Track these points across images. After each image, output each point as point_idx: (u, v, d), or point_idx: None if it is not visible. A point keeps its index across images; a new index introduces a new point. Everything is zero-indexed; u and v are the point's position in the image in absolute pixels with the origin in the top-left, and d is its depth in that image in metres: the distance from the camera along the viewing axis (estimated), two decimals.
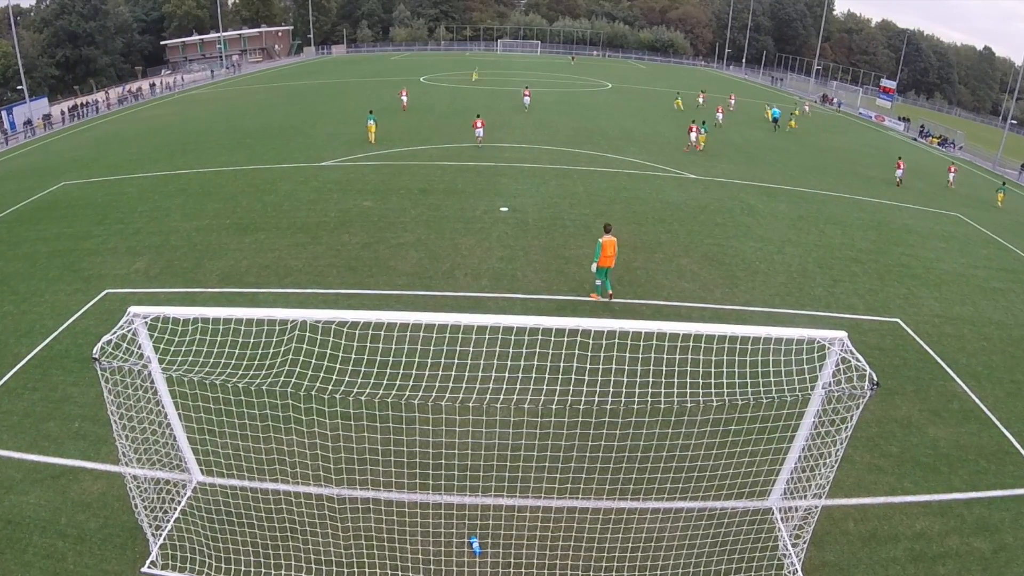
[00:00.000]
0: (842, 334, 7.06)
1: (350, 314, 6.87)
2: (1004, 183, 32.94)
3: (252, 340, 7.42)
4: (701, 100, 50.46)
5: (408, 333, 7.21)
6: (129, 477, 7.33)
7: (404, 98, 40.62)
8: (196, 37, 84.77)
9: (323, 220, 19.25)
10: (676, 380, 7.37)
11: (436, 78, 59.05)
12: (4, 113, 41.03)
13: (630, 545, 7.87)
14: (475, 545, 7.88)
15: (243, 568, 7.46)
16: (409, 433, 8.45)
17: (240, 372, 7.54)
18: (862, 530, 8.65)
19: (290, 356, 7.81)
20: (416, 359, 7.43)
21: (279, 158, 27.06)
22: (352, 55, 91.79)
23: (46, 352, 12.19)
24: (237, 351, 7.58)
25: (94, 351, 6.60)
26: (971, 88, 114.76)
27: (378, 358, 7.21)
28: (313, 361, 7.51)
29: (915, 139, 52.43)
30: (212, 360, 7.60)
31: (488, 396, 7.46)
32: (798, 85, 79.86)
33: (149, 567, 7.45)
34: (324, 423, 9.03)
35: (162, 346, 7.37)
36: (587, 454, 8.78)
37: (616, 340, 7.12)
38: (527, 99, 41.46)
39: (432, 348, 7.70)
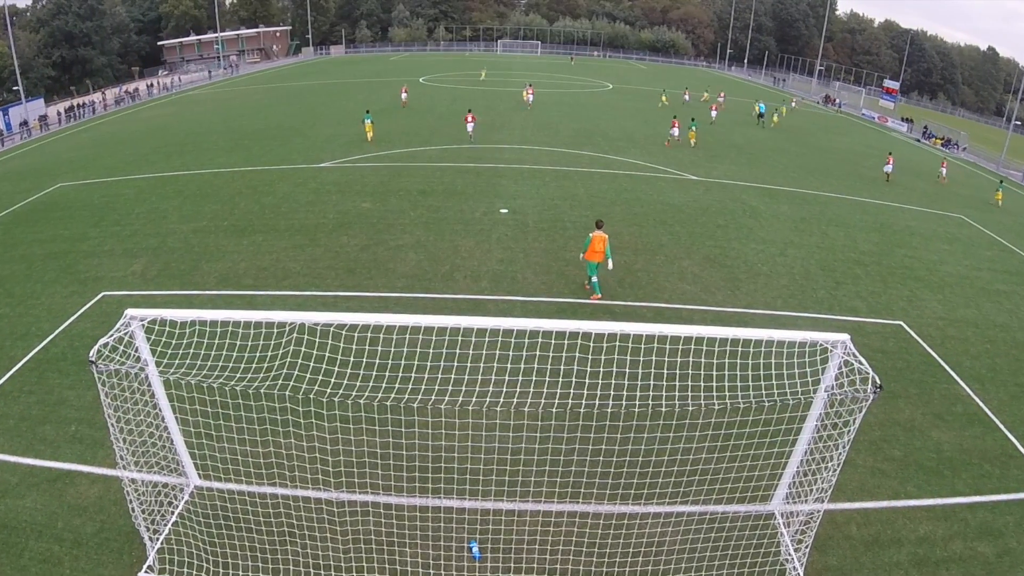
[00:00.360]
0: (845, 337, 7.01)
1: (349, 316, 6.83)
2: (1002, 181, 33.02)
3: (250, 343, 7.36)
4: (687, 97, 52.22)
5: (407, 336, 7.17)
6: (126, 481, 7.26)
7: (404, 95, 40.64)
8: (193, 37, 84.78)
9: (322, 222, 19.19)
10: (677, 383, 7.33)
11: (436, 79, 59.05)
12: (0, 114, 40.94)
13: (631, 550, 7.81)
14: (475, 550, 7.82)
15: (241, 573, 7.40)
16: (408, 436, 8.39)
17: (238, 375, 7.47)
18: (865, 534, 8.59)
19: (288, 359, 7.77)
20: (415, 362, 7.39)
21: (277, 159, 27.00)
22: (351, 56, 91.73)
23: (42, 355, 12.12)
24: (235, 354, 7.52)
25: (91, 354, 6.54)
26: (975, 89, 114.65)
27: (377, 361, 7.17)
28: (311, 364, 7.45)
29: (918, 140, 52.39)
30: (210, 363, 7.54)
31: (488, 399, 7.39)
32: (800, 86, 79.82)
33: (146, 572, 7.39)
34: (323, 426, 8.94)
35: (159, 349, 7.32)
36: (587, 458, 8.72)
37: (617, 343, 7.06)
38: (530, 97, 41.37)
39: (431, 351, 7.67)
